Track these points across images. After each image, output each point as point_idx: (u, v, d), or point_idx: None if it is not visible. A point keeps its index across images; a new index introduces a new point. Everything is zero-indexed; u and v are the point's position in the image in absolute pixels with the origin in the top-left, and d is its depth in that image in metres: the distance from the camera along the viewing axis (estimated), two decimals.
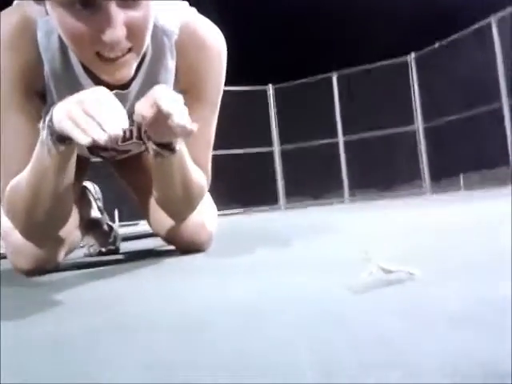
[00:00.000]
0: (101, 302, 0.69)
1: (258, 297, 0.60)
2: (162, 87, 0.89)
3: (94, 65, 0.88)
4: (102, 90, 0.81)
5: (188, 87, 1.08)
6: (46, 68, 0.99)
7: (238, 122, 7.92)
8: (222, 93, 1.15)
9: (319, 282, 0.65)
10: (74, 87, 0.97)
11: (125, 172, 1.45)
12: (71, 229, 1.20)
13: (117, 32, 0.80)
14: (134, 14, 0.82)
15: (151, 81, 1.03)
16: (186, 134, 0.87)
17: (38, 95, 1.02)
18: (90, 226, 1.66)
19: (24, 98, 0.99)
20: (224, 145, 7.82)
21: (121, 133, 0.75)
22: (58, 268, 1.19)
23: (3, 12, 0.97)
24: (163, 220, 1.29)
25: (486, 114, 6.51)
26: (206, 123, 1.12)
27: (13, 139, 1.00)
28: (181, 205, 1.17)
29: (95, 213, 1.66)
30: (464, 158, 6.75)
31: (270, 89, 8.41)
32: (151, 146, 0.99)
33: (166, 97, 0.86)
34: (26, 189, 0.95)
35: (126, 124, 0.76)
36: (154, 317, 0.55)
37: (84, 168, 1.33)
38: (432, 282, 0.57)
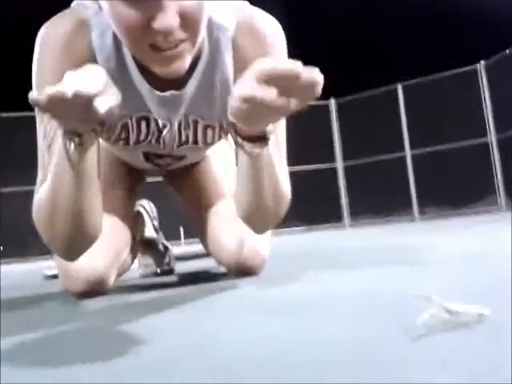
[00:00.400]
0: (131, 335, 0.65)
1: (287, 341, 0.53)
2: (262, 60, 0.70)
3: (147, 56, 0.84)
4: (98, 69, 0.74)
5: None
6: (100, 62, 0.96)
7: (300, 137, 7.87)
8: None
9: (368, 323, 0.58)
10: (130, 90, 0.95)
11: (179, 186, 1.43)
12: (122, 251, 1.18)
13: (169, 19, 0.76)
14: (186, 2, 0.79)
15: (209, 81, 1.00)
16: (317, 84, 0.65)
17: None
18: (145, 246, 1.65)
19: None
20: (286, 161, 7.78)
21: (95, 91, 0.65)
22: (109, 290, 1.17)
23: (57, 15, 0.97)
24: (217, 241, 1.25)
25: None
26: (280, 126, 1.03)
27: (48, 145, 0.93)
28: (269, 212, 0.99)
29: (150, 232, 1.65)
30: None
31: (333, 103, 8.28)
32: (242, 144, 0.82)
33: (279, 63, 0.68)
34: (45, 197, 0.86)
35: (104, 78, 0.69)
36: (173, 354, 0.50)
37: (139, 183, 1.32)
38: (507, 325, 0.47)
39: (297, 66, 0.64)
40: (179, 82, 0.97)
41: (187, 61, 0.85)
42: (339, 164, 8.27)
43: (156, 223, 1.70)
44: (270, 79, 0.66)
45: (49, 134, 0.93)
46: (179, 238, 7.09)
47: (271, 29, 1.02)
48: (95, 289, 1.10)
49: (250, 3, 1.06)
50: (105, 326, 0.75)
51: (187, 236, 7.20)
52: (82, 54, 0.95)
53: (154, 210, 1.74)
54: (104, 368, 0.49)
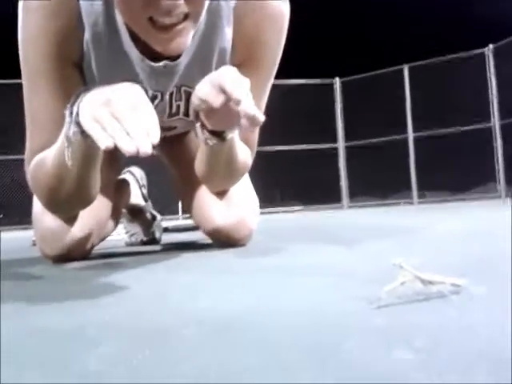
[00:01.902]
0: (99, 296, 0.62)
1: (255, 304, 0.50)
2: (228, 70, 0.82)
3: (147, 33, 0.79)
4: (136, 89, 0.72)
5: (245, 57, 1.00)
6: (87, 35, 0.92)
7: (302, 116, 7.78)
8: (277, 64, 1.06)
9: (338, 291, 0.54)
10: (118, 56, 0.91)
11: (169, 155, 1.39)
12: (102, 217, 1.15)
13: None
14: None
15: (205, 51, 0.96)
16: (254, 124, 0.77)
17: (74, 66, 0.96)
18: (131, 214, 1.62)
19: (58, 67, 0.94)
20: (287, 140, 7.71)
21: (150, 150, 0.65)
22: (88, 256, 1.15)
23: None
24: (203, 212, 1.22)
25: None
26: (259, 96, 1.03)
27: (42, 110, 0.96)
28: (222, 181, 1.15)
29: (138, 199, 1.61)
30: None
31: (337, 82, 8.15)
32: (202, 133, 0.93)
33: (234, 82, 0.78)
34: (50, 169, 0.92)
35: (157, 137, 0.66)
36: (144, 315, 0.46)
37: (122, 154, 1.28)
38: (482, 297, 0.44)
39: (240, 94, 0.76)
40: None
41: (189, 37, 0.82)
42: (341, 144, 8.19)
43: (145, 191, 1.66)
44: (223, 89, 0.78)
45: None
46: (177, 213, 7.07)
47: (275, 8, 0.99)
48: (72, 253, 1.07)
49: None
50: (78, 289, 0.72)
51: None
52: (66, 16, 0.90)
53: (144, 177, 1.70)
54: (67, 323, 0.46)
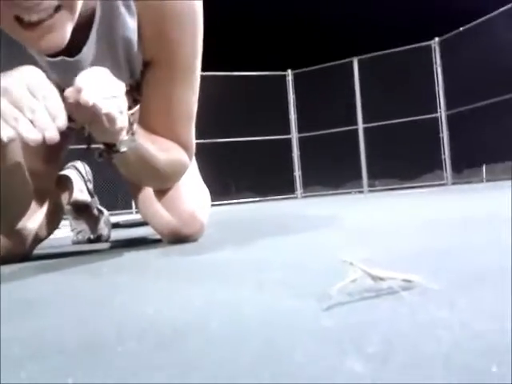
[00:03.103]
0: (38, 301, 0.57)
1: (201, 307, 0.47)
2: (91, 71, 0.75)
3: (15, 32, 0.71)
4: (33, 72, 0.66)
5: (155, 52, 0.94)
6: None
7: (255, 108, 7.77)
8: (199, 57, 0.99)
9: (288, 287, 0.52)
10: (20, 56, 0.83)
11: None
12: (37, 215, 1.08)
13: None
14: None
15: (108, 42, 0.89)
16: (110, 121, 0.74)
17: None
18: (77, 210, 1.55)
19: None
20: (241, 132, 7.68)
21: (57, 135, 0.61)
22: (28, 257, 1.08)
23: None
24: (151, 207, 1.18)
25: (511, 101, 6.22)
26: (179, 94, 0.99)
27: None
28: (155, 184, 1.11)
29: (84, 195, 1.54)
30: (487, 147, 6.49)
31: (290, 74, 8.19)
32: (94, 144, 0.90)
33: (90, 83, 0.71)
34: None
35: (63, 121, 0.62)
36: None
37: (59, 148, 1.21)
38: (434, 294, 0.43)
39: (68, 91, 0.71)
40: (74, 46, 0.83)
41: (67, 30, 0.73)
42: (294, 135, 8.24)
43: (90, 186, 1.60)
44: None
45: None
46: (131, 208, 6.90)
47: (181, 2, 0.91)
48: (9, 254, 1.01)
49: None
50: (11, 296, 0.67)
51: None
52: None
53: (89, 172, 1.63)
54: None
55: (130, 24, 0.90)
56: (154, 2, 0.89)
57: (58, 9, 0.69)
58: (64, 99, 0.69)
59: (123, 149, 0.88)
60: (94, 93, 0.71)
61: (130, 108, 1.10)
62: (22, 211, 0.96)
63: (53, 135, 0.61)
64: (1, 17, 0.68)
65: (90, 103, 0.70)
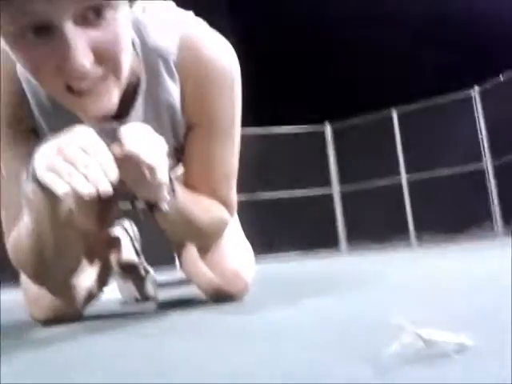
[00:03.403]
0: (87, 361, 0.59)
1: (250, 371, 0.47)
2: (135, 126, 0.80)
3: (66, 100, 0.75)
4: (84, 130, 0.71)
5: (197, 116, 0.98)
6: (32, 102, 0.91)
7: (295, 163, 7.84)
8: (238, 117, 1.02)
9: (338, 351, 0.51)
10: (65, 120, 0.86)
11: None
12: (86, 275, 1.11)
13: (79, 59, 0.67)
14: (98, 33, 0.69)
15: (154, 108, 0.93)
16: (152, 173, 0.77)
17: (31, 132, 0.94)
18: (124, 270, 1.58)
19: (14, 137, 0.92)
20: (282, 187, 7.74)
21: (109, 188, 0.64)
22: (80, 318, 1.11)
23: None
24: (195, 265, 1.19)
25: None
26: (220, 154, 1.02)
27: (7, 182, 0.94)
28: (197, 242, 1.12)
29: (132, 256, 1.58)
30: None
31: (328, 127, 8.28)
32: (138, 203, 0.93)
33: (132, 135, 0.76)
34: (27, 238, 0.88)
35: (115, 174, 0.66)
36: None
37: (109, 208, 1.26)
38: (487, 356, 0.41)
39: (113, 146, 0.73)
40: (121, 111, 0.87)
41: (114, 96, 0.77)
42: (335, 189, 8.22)
43: (137, 246, 1.63)
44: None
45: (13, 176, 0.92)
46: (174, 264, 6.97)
47: (218, 52, 0.94)
48: (60, 315, 1.04)
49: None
50: (68, 352, 0.68)
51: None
52: (8, 86, 0.89)
53: (136, 232, 1.67)
54: None
55: (173, 89, 0.94)
56: (194, 69, 0.93)
57: (105, 77, 0.73)
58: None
59: (165, 208, 0.90)
60: (138, 144, 0.75)
61: (173, 168, 1.14)
62: (74, 270, 0.99)
63: (106, 189, 0.64)
64: (50, 84, 0.72)
65: (134, 153, 0.74)
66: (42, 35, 0.67)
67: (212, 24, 0.99)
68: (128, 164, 0.75)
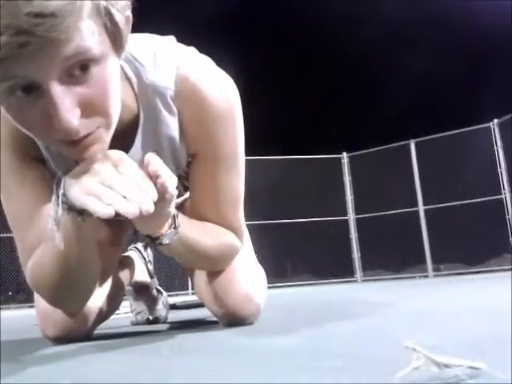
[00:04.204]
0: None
1: None
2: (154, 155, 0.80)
3: (62, 149, 0.75)
4: (114, 153, 0.72)
5: (199, 148, 0.98)
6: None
7: (312, 190, 7.85)
8: (240, 148, 1.02)
9: (349, 376, 0.50)
10: (63, 155, 0.85)
11: None
12: (99, 295, 1.12)
13: (65, 117, 0.66)
14: (85, 89, 0.68)
15: (154, 143, 0.94)
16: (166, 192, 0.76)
17: (40, 162, 0.95)
18: (137, 291, 1.58)
19: (24, 166, 0.93)
20: (298, 213, 7.72)
21: (152, 207, 0.64)
22: (90, 336, 1.11)
23: None
24: (206, 288, 1.18)
25: None
26: (225, 181, 1.02)
27: (20, 210, 0.95)
28: (207, 267, 1.12)
29: (143, 276, 1.58)
30: None
31: (345, 157, 8.29)
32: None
33: (156, 160, 0.76)
34: (51, 262, 0.89)
35: (155, 194, 0.67)
36: None
37: (123, 230, 1.27)
38: (504, 381, 0.40)
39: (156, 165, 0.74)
40: (122, 148, 0.84)
41: (106, 141, 0.76)
42: (351, 217, 8.17)
43: (151, 267, 1.64)
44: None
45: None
46: (187, 289, 6.94)
47: (216, 86, 0.95)
48: (73, 333, 1.04)
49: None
50: (77, 369, 0.68)
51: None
52: (31, 150, 0.92)
53: (150, 253, 1.68)
54: None
55: (171, 123, 0.94)
56: (191, 103, 0.93)
57: (95, 128, 0.73)
58: None
59: (166, 241, 0.90)
60: (161, 168, 0.75)
61: (180, 195, 1.15)
62: (91, 292, 1.00)
63: (149, 207, 0.64)
64: (44, 138, 0.73)
65: (162, 175, 0.74)
66: (30, 93, 0.66)
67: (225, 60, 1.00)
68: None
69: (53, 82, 0.65)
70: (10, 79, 0.64)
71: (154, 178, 0.75)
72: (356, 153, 8.24)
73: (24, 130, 0.72)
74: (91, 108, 0.70)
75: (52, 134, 0.70)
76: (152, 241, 0.90)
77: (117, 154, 0.74)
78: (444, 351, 0.44)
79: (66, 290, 0.94)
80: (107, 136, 0.76)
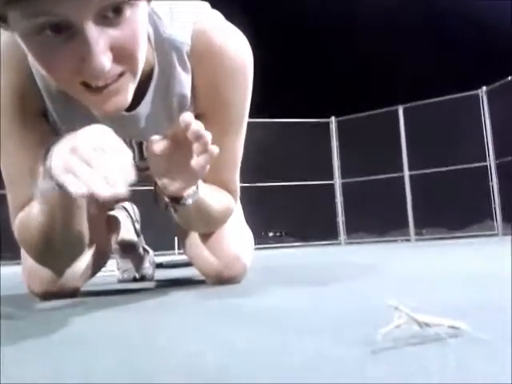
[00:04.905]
0: (92, 336, 0.59)
1: (244, 352, 0.47)
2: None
3: (82, 96, 0.74)
4: (102, 129, 0.69)
5: (208, 107, 0.97)
6: (44, 94, 0.90)
7: (298, 154, 7.85)
8: (248, 109, 1.03)
9: (325, 336, 0.52)
10: (74, 106, 0.87)
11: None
12: (86, 253, 1.12)
13: (100, 59, 0.65)
14: (118, 33, 0.67)
15: (164, 99, 0.93)
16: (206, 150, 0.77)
17: (39, 116, 0.93)
18: (124, 249, 1.59)
19: (24, 121, 0.91)
20: (284, 176, 7.75)
21: (126, 191, 0.62)
22: (77, 293, 1.12)
23: None
24: (195, 248, 1.19)
25: None
26: (228, 144, 1.02)
27: (16, 166, 0.94)
28: (203, 229, 1.14)
29: (131, 235, 1.59)
30: None
31: (333, 121, 8.27)
32: (163, 200, 0.93)
33: (195, 121, 0.76)
34: (34, 230, 0.89)
35: (132, 176, 0.65)
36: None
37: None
38: (482, 343, 0.42)
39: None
40: (133, 100, 0.83)
41: (129, 93, 0.75)
42: (337, 181, 8.22)
43: (138, 226, 1.64)
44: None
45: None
46: (173, 248, 6.99)
47: (233, 43, 0.94)
48: (59, 290, 1.05)
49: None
50: (65, 326, 0.69)
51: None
52: (18, 71, 0.88)
53: (137, 212, 1.68)
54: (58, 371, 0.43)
55: (185, 80, 0.93)
56: (207, 59, 0.92)
57: (122, 73, 0.72)
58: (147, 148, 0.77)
59: (189, 201, 0.91)
60: (201, 125, 0.75)
61: None
62: (78, 255, 1.00)
63: (123, 191, 0.62)
64: (65, 80, 0.71)
65: (200, 133, 0.74)
66: (60, 33, 0.64)
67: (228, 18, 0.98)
68: (186, 146, 0.77)
69: (88, 22, 0.63)
70: (41, 16, 0.62)
71: (195, 138, 0.75)
72: (345, 117, 8.21)
73: (46, 74, 0.70)
74: (122, 52, 0.69)
75: (77, 77, 0.68)
76: (175, 201, 0.90)
77: (102, 129, 0.70)
78: (426, 312, 0.45)
79: (51, 252, 0.94)
80: (131, 87, 0.75)
